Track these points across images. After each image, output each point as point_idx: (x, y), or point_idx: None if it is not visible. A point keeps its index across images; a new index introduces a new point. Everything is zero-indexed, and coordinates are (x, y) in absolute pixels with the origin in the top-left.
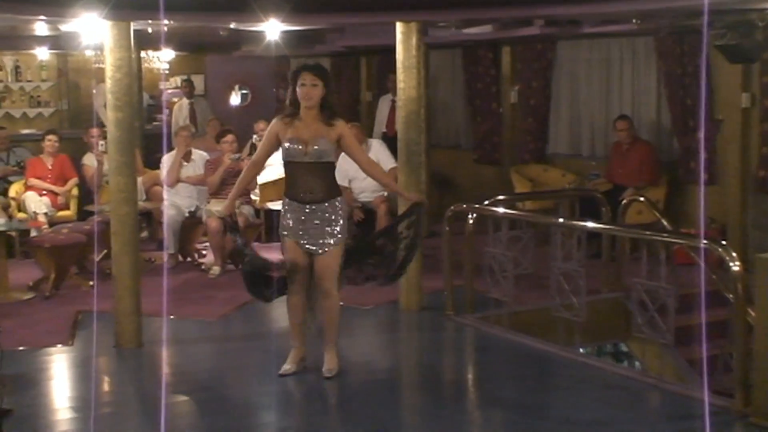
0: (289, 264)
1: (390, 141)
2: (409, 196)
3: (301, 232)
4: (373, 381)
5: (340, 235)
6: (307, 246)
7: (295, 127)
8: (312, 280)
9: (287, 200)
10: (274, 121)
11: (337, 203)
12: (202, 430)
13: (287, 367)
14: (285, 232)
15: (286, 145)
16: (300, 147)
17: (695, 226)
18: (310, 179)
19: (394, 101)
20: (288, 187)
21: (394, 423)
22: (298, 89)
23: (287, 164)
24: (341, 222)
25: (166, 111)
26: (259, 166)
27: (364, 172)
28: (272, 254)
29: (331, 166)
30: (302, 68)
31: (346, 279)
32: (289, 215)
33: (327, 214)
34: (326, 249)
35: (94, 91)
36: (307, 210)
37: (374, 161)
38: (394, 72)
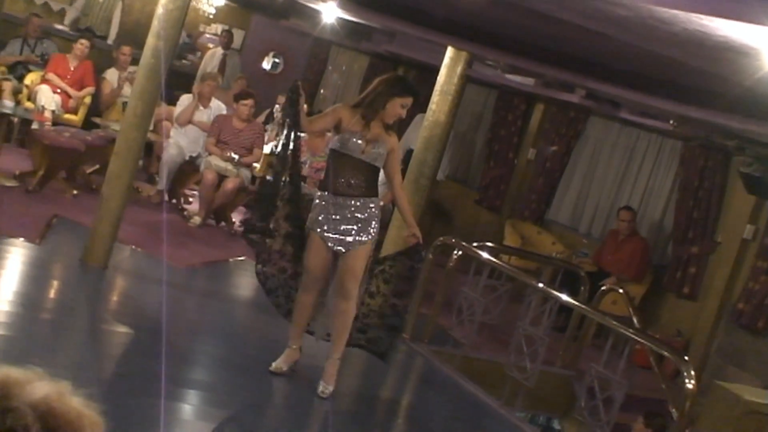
0: (308, 260)
1: None
2: (414, 232)
3: (326, 226)
4: (306, 383)
5: (368, 237)
6: (330, 243)
7: (360, 122)
8: (331, 281)
9: (320, 192)
10: (342, 105)
11: (371, 204)
12: (136, 366)
13: (280, 365)
14: (310, 225)
15: (346, 135)
16: (360, 142)
17: (662, 333)
18: (353, 173)
19: None
20: (325, 178)
21: (305, 427)
22: (395, 103)
23: (336, 153)
24: (373, 224)
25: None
26: (314, 130)
27: (392, 190)
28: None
29: (377, 171)
30: (409, 89)
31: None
32: (318, 208)
33: (358, 213)
34: (351, 248)
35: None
36: (339, 201)
37: (403, 189)
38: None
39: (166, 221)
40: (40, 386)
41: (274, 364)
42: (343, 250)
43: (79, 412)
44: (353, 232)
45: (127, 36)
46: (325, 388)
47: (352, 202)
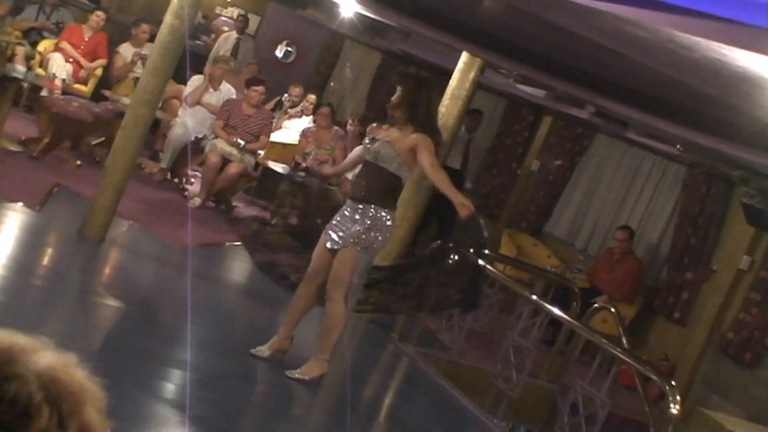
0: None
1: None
2: (461, 201)
3: (331, 221)
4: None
5: (356, 242)
6: (326, 238)
7: (381, 127)
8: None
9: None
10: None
11: (372, 209)
12: (122, 340)
13: (261, 349)
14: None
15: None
16: (368, 143)
17: (650, 356)
18: (362, 176)
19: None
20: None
21: (285, 422)
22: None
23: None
24: (368, 230)
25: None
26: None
27: (428, 176)
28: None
29: (385, 173)
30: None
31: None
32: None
33: (358, 215)
34: (338, 247)
35: None
36: (348, 202)
37: (439, 167)
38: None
39: (167, 200)
40: (45, 355)
41: (257, 347)
42: (331, 247)
43: (82, 384)
44: (341, 232)
45: (141, 12)
46: (299, 372)
47: (353, 205)
